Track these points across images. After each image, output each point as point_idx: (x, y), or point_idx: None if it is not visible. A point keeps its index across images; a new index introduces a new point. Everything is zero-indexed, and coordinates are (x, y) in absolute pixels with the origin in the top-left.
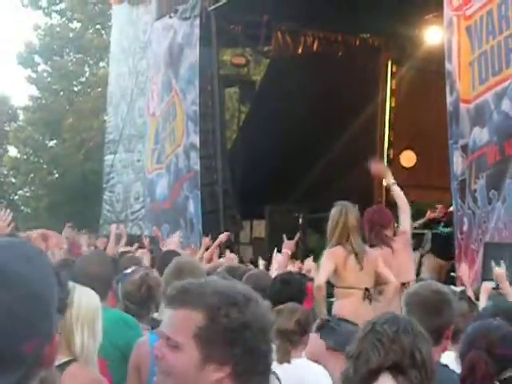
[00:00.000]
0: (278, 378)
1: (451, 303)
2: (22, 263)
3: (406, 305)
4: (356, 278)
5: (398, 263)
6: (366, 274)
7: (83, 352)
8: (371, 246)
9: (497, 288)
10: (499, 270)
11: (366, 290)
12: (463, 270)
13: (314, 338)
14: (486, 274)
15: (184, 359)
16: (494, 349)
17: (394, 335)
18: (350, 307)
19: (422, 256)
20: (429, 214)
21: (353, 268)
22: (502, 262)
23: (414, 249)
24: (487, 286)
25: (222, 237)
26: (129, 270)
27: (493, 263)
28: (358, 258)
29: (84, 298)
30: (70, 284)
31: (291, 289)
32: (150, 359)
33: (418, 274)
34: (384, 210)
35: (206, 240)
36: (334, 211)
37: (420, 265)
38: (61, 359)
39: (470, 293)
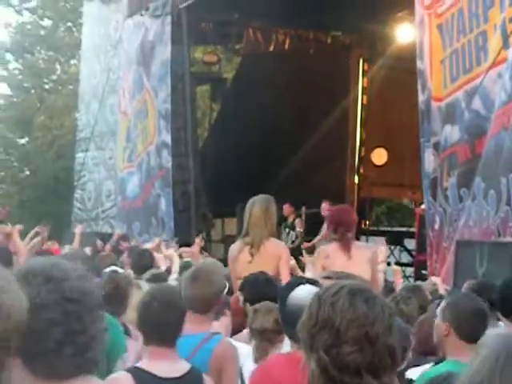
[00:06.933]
0: None
1: None
2: None
3: None
4: (244, 270)
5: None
6: (257, 267)
7: None
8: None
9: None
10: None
11: None
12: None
13: None
14: (457, 272)
15: None
16: None
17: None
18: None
19: None
20: None
21: (243, 260)
22: None
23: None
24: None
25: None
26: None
27: None
28: (250, 250)
29: None
30: None
31: (264, 288)
32: None
33: None
34: (350, 211)
35: (198, 240)
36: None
37: None
38: None
39: (443, 291)
